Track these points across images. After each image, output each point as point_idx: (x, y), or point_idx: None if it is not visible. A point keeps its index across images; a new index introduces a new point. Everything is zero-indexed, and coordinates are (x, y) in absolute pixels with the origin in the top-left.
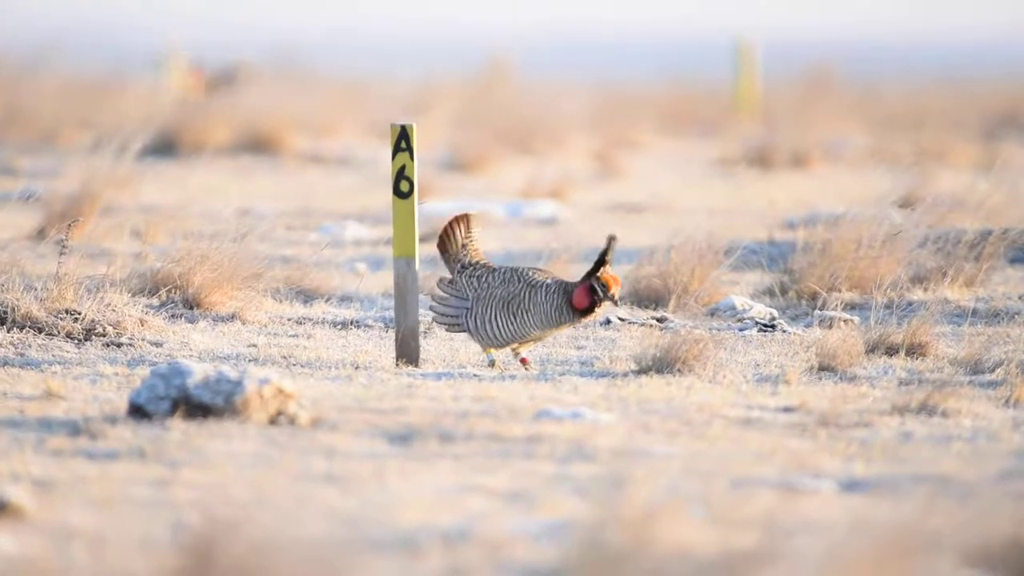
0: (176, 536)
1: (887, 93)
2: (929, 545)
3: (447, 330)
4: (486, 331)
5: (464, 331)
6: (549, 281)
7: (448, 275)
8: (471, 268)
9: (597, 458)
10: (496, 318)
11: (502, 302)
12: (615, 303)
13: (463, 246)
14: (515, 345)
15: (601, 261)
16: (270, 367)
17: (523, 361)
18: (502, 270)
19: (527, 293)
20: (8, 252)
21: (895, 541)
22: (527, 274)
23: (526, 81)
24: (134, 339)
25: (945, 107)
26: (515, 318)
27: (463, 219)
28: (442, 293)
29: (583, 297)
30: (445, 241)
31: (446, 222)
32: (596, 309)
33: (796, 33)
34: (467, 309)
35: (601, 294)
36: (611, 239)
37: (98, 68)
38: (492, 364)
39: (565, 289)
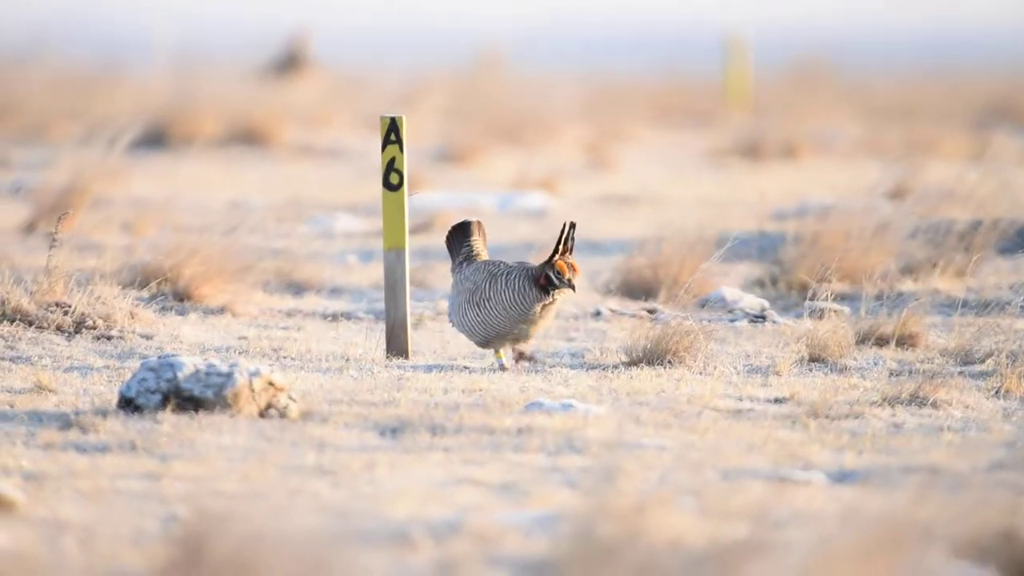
0: (167, 529)
1: (877, 84)
2: (919, 536)
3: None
4: (464, 326)
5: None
6: (511, 268)
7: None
8: (464, 266)
9: (588, 450)
10: (467, 312)
11: (468, 294)
12: (572, 289)
13: (462, 251)
14: (507, 343)
15: (557, 248)
16: (260, 360)
17: (521, 356)
18: (474, 265)
19: (488, 283)
20: None
21: (885, 532)
22: (491, 265)
23: (517, 73)
24: (124, 332)
25: (935, 98)
26: (479, 309)
27: (459, 227)
28: (450, 293)
29: (542, 280)
30: (448, 247)
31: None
32: (554, 295)
33: (787, 24)
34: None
35: (556, 282)
36: (568, 225)
37: (89, 60)
38: (502, 368)
39: (528, 274)
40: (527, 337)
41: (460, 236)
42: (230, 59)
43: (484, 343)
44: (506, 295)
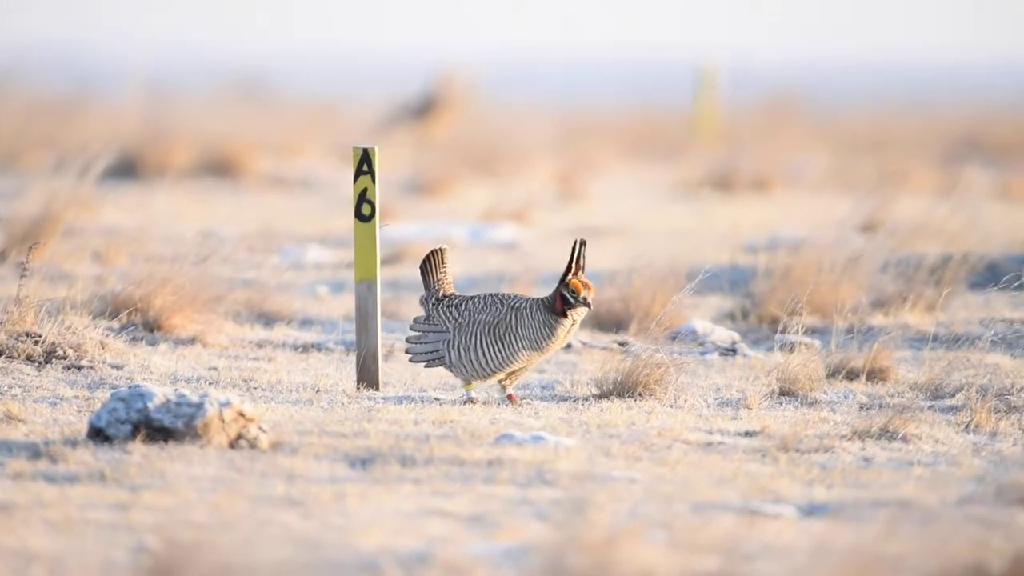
0: (136, 560)
1: (849, 117)
2: (889, 570)
3: (427, 366)
4: (471, 360)
5: (444, 364)
6: (530, 301)
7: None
8: (445, 300)
9: (558, 482)
10: (482, 345)
11: (487, 327)
12: (589, 307)
13: (438, 279)
14: (501, 377)
15: (569, 267)
16: (231, 390)
17: (510, 397)
18: (480, 296)
19: (512, 316)
20: None
21: (855, 566)
22: (507, 298)
23: (489, 104)
24: (95, 362)
25: (906, 131)
26: (502, 343)
27: (439, 252)
28: (417, 332)
29: (558, 303)
30: (424, 274)
31: (425, 255)
32: (571, 314)
33: (759, 57)
34: (447, 340)
35: (572, 300)
36: (579, 243)
37: (61, 89)
38: (470, 401)
39: (543, 305)
40: (524, 371)
41: (436, 263)
42: (202, 88)
43: (487, 375)
44: (532, 327)
